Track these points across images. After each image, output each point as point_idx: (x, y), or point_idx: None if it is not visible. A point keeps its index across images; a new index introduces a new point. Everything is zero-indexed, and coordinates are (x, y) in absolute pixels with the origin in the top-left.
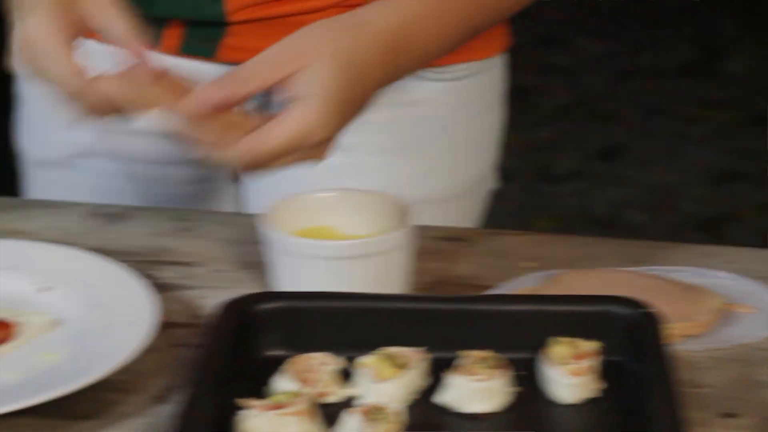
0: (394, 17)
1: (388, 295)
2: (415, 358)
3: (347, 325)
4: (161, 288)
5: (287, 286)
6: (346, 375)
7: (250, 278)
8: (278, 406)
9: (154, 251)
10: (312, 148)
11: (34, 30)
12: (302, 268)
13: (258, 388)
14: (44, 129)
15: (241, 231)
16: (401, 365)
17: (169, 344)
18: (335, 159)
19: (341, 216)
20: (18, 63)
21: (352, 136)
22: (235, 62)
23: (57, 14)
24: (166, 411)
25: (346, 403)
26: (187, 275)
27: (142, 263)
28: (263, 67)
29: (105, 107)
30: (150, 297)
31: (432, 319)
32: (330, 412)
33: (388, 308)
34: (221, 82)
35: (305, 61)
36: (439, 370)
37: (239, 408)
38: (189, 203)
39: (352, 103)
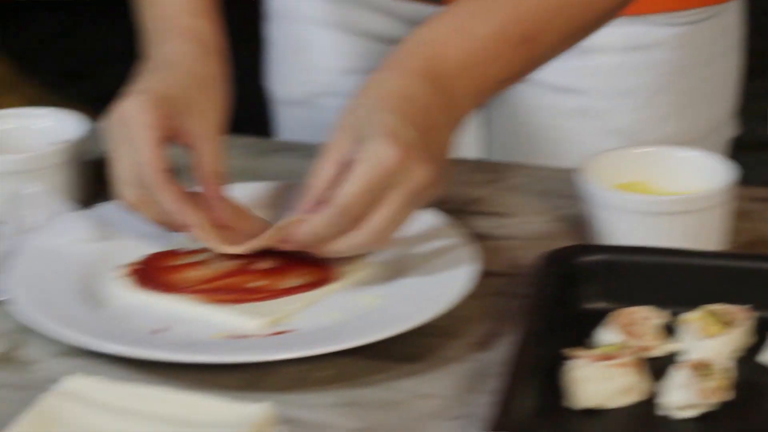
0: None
1: (711, 252)
2: (741, 316)
3: (670, 280)
4: (475, 237)
5: (604, 240)
6: (668, 330)
7: (562, 231)
8: (606, 357)
9: (465, 200)
10: (408, 185)
11: (133, 111)
12: (621, 222)
13: (580, 340)
14: (291, 68)
15: (550, 184)
16: (727, 322)
17: (488, 292)
18: (567, 101)
19: (655, 172)
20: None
21: (582, 79)
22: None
23: (161, 111)
24: (488, 357)
25: (669, 358)
26: (500, 225)
27: (453, 212)
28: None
29: (163, 217)
30: (468, 245)
31: (757, 277)
32: (654, 367)
33: (712, 265)
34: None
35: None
36: (764, 329)
37: (565, 358)
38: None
39: (426, 129)
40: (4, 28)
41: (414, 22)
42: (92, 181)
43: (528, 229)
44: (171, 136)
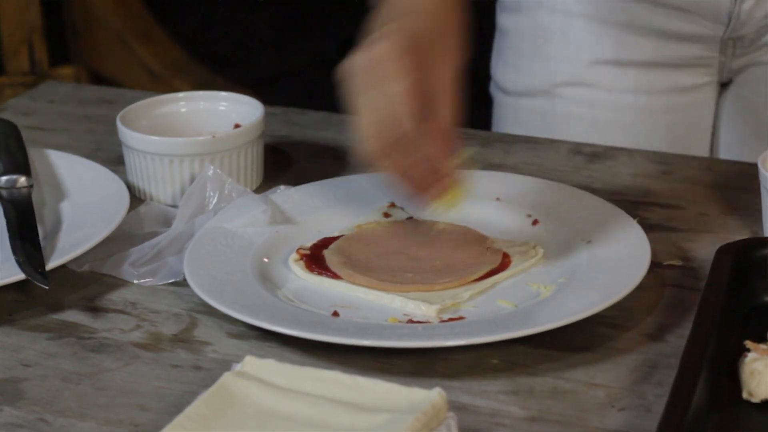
0: None
1: None
2: None
3: None
4: (647, 228)
5: None
6: None
7: (736, 224)
8: None
9: (637, 192)
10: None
11: (390, 54)
12: None
13: (757, 333)
14: (522, 59)
15: (723, 176)
16: None
17: (660, 284)
18: None
19: None
20: (347, 75)
21: None
22: None
23: (415, 57)
24: (659, 349)
25: None
26: (672, 217)
27: (627, 203)
28: None
29: (410, 171)
30: (641, 236)
31: None
32: None
33: None
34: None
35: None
36: None
37: (742, 351)
38: (666, 135)
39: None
40: (170, 14)
41: (674, 8)
42: (267, 164)
43: (701, 221)
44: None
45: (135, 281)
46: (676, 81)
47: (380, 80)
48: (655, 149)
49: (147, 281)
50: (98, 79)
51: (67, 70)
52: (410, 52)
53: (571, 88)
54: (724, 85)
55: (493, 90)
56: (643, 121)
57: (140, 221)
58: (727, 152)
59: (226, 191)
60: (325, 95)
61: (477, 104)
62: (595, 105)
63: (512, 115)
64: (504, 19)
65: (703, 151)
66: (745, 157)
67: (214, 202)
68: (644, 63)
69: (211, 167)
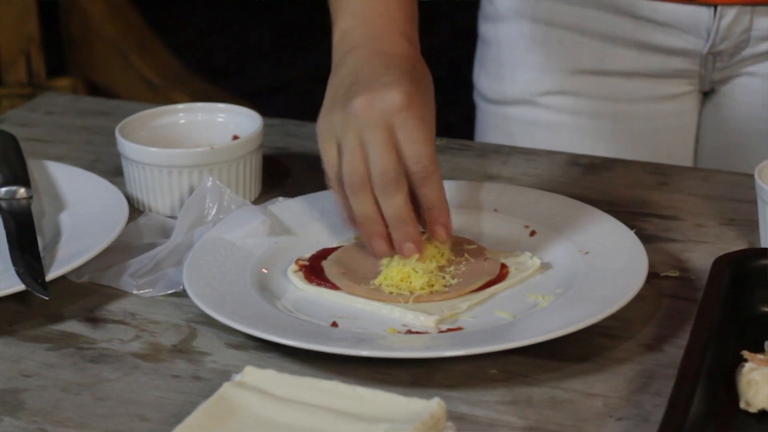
0: None
1: None
2: None
3: None
4: (644, 239)
5: None
6: None
7: (733, 235)
8: None
9: (634, 203)
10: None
11: (399, 105)
12: None
13: (754, 343)
14: (504, 69)
15: (720, 187)
16: None
17: (656, 294)
18: None
19: None
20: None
21: None
22: (714, 3)
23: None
24: (657, 359)
25: None
26: (669, 228)
27: (624, 214)
28: None
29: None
30: (638, 246)
31: None
32: None
33: None
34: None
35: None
36: None
37: (740, 361)
38: (648, 142)
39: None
40: (167, 25)
41: (656, 23)
42: (265, 175)
43: (698, 232)
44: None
45: (134, 292)
46: (658, 90)
47: (371, 130)
48: (637, 157)
49: (146, 292)
50: (96, 90)
51: (64, 82)
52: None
53: (553, 97)
54: (706, 94)
55: (476, 98)
56: (624, 129)
57: (139, 232)
58: (710, 160)
59: (225, 203)
60: (321, 107)
61: (465, 112)
62: (576, 112)
63: (494, 123)
64: (485, 29)
65: (687, 159)
66: (729, 166)
67: (213, 213)
68: (625, 72)
69: (210, 179)
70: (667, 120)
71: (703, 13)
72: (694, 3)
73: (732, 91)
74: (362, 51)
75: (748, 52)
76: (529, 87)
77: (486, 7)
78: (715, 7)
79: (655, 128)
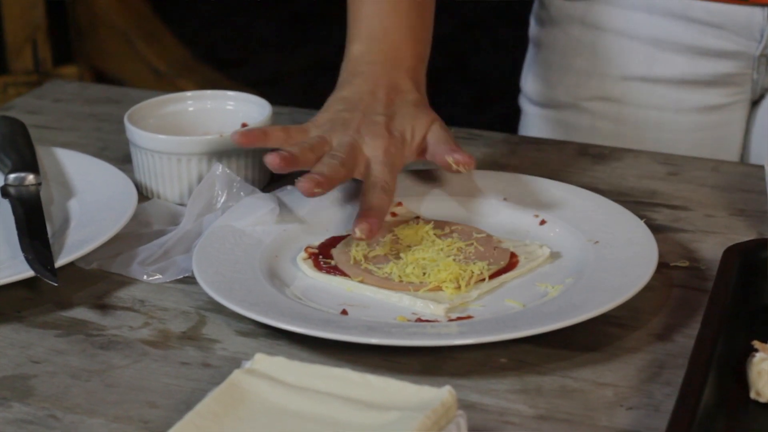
0: None
1: None
2: None
3: None
4: (654, 229)
5: None
6: None
7: (742, 225)
8: None
9: (644, 193)
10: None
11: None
12: None
13: (765, 333)
14: (551, 72)
15: (729, 178)
16: None
17: (666, 284)
18: None
19: None
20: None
21: None
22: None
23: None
24: (667, 349)
25: None
26: (679, 218)
27: (633, 204)
28: None
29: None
30: (648, 236)
31: None
32: None
33: None
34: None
35: None
36: None
37: (751, 351)
38: (692, 152)
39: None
40: (173, 14)
41: (708, 24)
42: None
43: (708, 222)
44: None
45: (144, 278)
46: (705, 100)
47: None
48: None
49: (156, 278)
50: (102, 78)
51: (70, 69)
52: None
53: (597, 102)
54: (755, 103)
55: (522, 101)
56: (668, 138)
57: (148, 219)
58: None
59: (234, 190)
60: (325, 97)
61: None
62: (620, 120)
63: (538, 126)
64: (536, 32)
65: None
66: None
67: (222, 200)
68: (674, 80)
69: (220, 166)
70: (712, 131)
71: (756, 14)
72: (747, 3)
73: None
74: (368, 79)
75: None
76: (575, 91)
77: (538, 11)
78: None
79: (701, 139)
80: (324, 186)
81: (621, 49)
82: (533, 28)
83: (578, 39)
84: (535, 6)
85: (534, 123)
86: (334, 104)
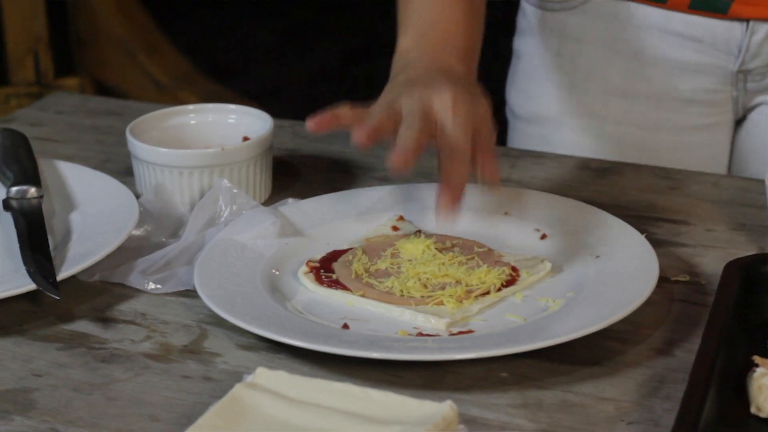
0: None
1: None
2: None
3: None
4: (655, 243)
5: None
6: None
7: (743, 240)
8: None
9: (645, 207)
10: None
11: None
12: None
13: (765, 348)
14: (532, 84)
15: (730, 193)
16: None
17: (667, 298)
18: None
19: None
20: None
21: None
22: (747, 18)
23: None
24: (668, 363)
25: None
26: (679, 233)
27: (634, 218)
28: None
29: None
30: (649, 251)
31: None
32: None
33: None
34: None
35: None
36: None
37: (751, 366)
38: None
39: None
40: (174, 25)
41: (688, 38)
42: (275, 177)
43: (709, 237)
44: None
45: (145, 286)
46: (686, 120)
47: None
48: None
49: (156, 289)
50: (103, 89)
51: (72, 81)
52: None
53: (579, 118)
54: (739, 123)
55: (507, 114)
56: (650, 158)
57: (148, 232)
58: None
59: (238, 204)
60: (326, 107)
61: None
62: (602, 137)
63: (521, 140)
64: (518, 43)
65: None
66: None
67: (226, 214)
68: (654, 96)
69: (225, 180)
70: (694, 152)
71: (735, 29)
72: (726, 18)
73: (762, 119)
74: (420, 66)
75: None
76: (556, 105)
77: (520, 21)
78: (748, 22)
79: (682, 159)
80: (413, 160)
81: (600, 62)
82: (515, 40)
83: (558, 51)
84: (518, 16)
85: (517, 137)
86: (390, 89)
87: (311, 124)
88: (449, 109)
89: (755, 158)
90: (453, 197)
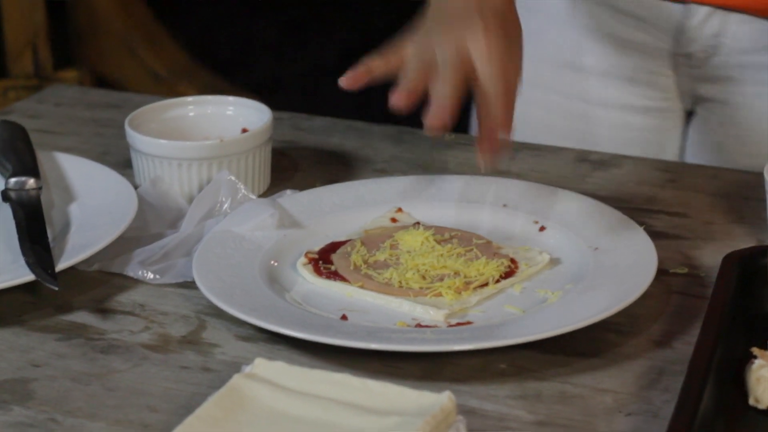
0: None
1: None
2: None
3: None
4: (653, 236)
5: None
6: None
7: (741, 232)
8: None
9: (643, 200)
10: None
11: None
12: None
13: (764, 340)
14: None
15: (728, 185)
16: None
17: (665, 291)
18: None
19: None
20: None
21: None
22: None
23: None
24: (666, 355)
25: None
26: (678, 225)
27: (632, 211)
28: None
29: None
30: (647, 243)
31: None
32: None
33: None
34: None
35: None
36: None
37: (750, 358)
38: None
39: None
40: (172, 18)
41: (633, 16)
42: (274, 169)
43: (707, 229)
44: None
45: (143, 276)
46: (628, 99)
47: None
48: None
49: (154, 279)
50: (102, 82)
51: (71, 74)
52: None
53: (528, 89)
54: (690, 115)
55: None
56: (596, 134)
57: (146, 222)
58: None
59: (239, 197)
60: (325, 101)
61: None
62: (551, 110)
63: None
64: None
65: None
66: None
67: (225, 206)
68: (599, 71)
69: (227, 172)
70: (641, 133)
71: (674, 10)
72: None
73: (711, 118)
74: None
75: (720, 60)
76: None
77: None
78: (687, 5)
79: (629, 139)
80: (450, 120)
81: (553, 34)
82: None
83: (530, 27)
84: None
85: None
86: (425, 26)
87: (345, 80)
88: (484, 56)
89: (705, 151)
90: (491, 157)
